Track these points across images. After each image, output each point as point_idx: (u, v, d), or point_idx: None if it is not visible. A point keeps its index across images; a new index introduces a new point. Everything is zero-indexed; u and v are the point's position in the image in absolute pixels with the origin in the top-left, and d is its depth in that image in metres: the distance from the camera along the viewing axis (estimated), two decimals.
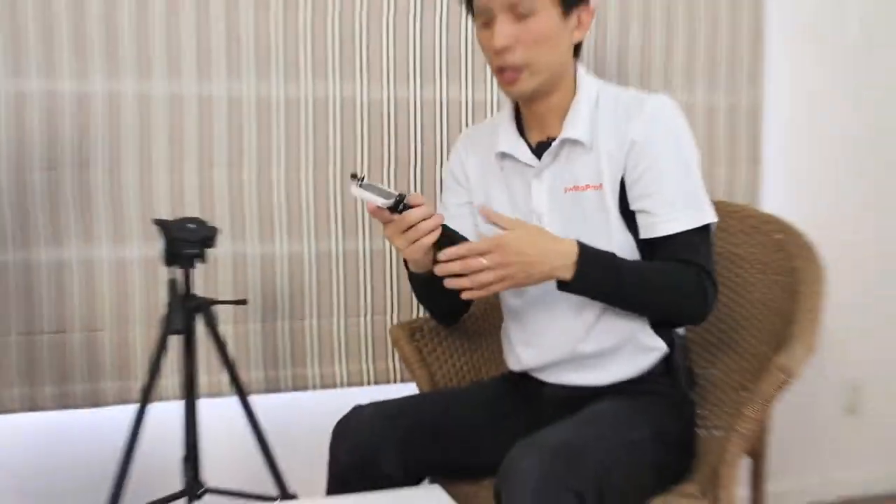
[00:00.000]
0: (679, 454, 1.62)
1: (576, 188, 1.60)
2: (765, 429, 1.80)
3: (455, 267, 1.44)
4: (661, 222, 1.55)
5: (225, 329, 2.04)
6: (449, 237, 1.51)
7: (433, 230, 1.49)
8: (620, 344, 1.60)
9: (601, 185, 1.58)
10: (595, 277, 1.49)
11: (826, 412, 2.64)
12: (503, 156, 1.68)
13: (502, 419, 1.65)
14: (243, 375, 2.00)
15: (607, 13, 2.30)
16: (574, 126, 1.59)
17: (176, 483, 1.88)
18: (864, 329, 2.63)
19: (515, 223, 1.49)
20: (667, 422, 1.58)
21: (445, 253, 1.45)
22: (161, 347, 1.73)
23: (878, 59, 2.58)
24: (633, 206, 1.58)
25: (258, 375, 2.10)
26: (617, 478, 1.40)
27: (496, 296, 1.76)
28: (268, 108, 2.07)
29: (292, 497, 1.81)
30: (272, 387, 2.12)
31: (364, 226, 2.16)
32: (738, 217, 1.93)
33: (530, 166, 1.64)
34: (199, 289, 1.97)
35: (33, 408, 1.96)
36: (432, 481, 1.64)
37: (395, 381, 2.19)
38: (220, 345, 1.78)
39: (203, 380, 2.01)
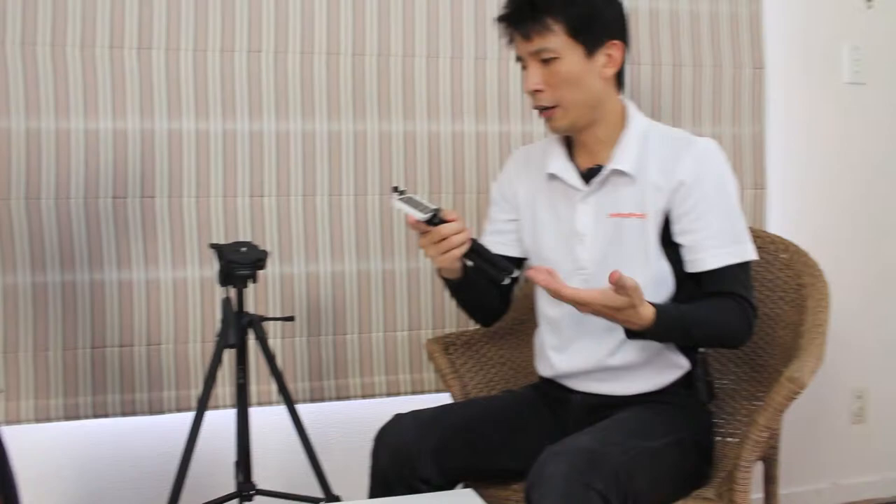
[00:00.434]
0: (698, 461, 1.58)
1: (619, 215, 1.57)
2: (776, 436, 1.76)
3: (544, 283, 1.41)
4: (709, 257, 1.53)
5: (274, 343, 2.04)
6: (477, 250, 1.51)
7: (463, 244, 1.48)
8: (647, 360, 1.58)
9: (645, 215, 1.55)
10: (663, 334, 1.48)
11: (834, 420, 2.59)
12: (552, 177, 1.65)
13: (531, 426, 1.62)
14: (290, 386, 1.98)
15: None
16: (623, 158, 1.57)
17: (229, 485, 1.87)
18: (867, 340, 2.58)
19: (628, 292, 1.38)
20: (687, 431, 1.55)
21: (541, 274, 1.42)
22: (216, 360, 1.72)
23: (869, 95, 2.56)
24: (677, 239, 1.56)
25: (304, 386, 2.09)
26: (639, 483, 1.37)
27: (532, 305, 1.74)
28: (312, 142, 2.07)
29: (336, 499, 1.79)
30: (317, 396, 2.10)
31: (401, 247, 2.14)
32: None
33: (578, 190, 1.61)
34: (251, 306, 1.97)
35: (100, 414, 1.95)
36: (466, 486, 1.61)
37: (430, 391, 2.16)
38: (270, 357, 1.76)
39: (254, 390, 2.01)
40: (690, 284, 1.57)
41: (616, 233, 1.57)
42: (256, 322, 1.74)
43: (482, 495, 1.44)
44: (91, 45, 1.92)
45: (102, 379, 1.95)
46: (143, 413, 1.98)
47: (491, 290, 1.66)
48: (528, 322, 1.84)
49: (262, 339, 1.75)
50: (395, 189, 1.51)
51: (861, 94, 2.56)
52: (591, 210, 1.60)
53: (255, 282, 1.74)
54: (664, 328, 1.45)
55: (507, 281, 1.49)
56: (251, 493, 1.79)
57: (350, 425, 2.15)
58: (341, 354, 2.11)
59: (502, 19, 1.57)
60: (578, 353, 1.61)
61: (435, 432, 1.52)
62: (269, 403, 2.03)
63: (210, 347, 1.97)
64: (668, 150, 1.57)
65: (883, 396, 2.64)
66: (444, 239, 1.47)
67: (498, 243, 1.72)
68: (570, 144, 1.66)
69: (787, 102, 2.48)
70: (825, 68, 2.53)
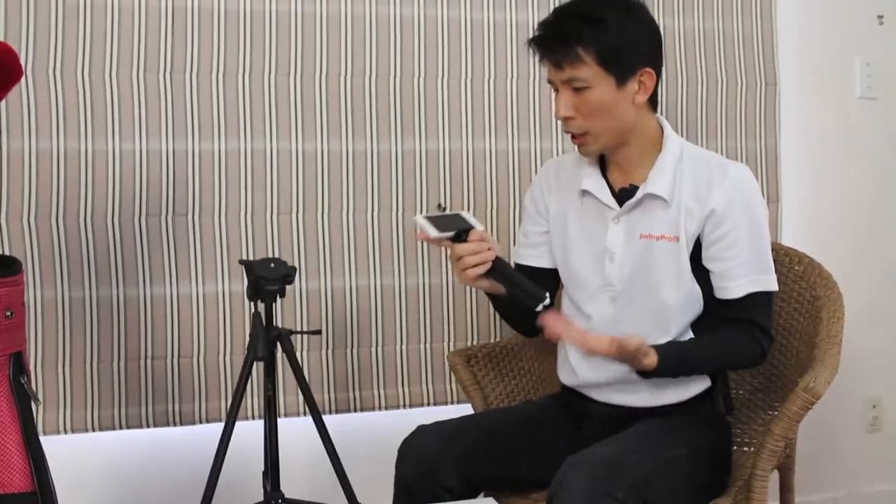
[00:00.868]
0: (716, 471, 1.58)
1: (650, 236, 1.56)
2: (792, 445, 1.76)
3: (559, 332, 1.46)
4: (735, 286, 1.54)
5: (301, 356, 2.05)
6: (501, 272, 1.51)
7: (478, 265, 1.49)
8: None
9: (677, 238, 1.55)
10: (668, 374, 1.52)
11: (849, 429, 2.57)
12: (585, 193, 1.63)
13: (552, 436, 1.62)
14: (317, 397, 1.99)
15: None
16: (658, 182, 1.55)
17: (257, 494, 1.88)
18: (882, 350, 2.57)
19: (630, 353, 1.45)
20: (705, 441, 1.54)
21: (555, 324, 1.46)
22: (246, 373, 1.73)
23: (881, 109, 2.56)
24: (707, 264, 1.56)
25: (331, 397, 2.10)
26: (657, 491, 1.37)
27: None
28: (339, 161, 2.09)
29: None
30: (343, 407, 2.11)
31: (424, 263, 2.15)
32: None
33: (611, 209, 1.60)
34: (279, 321, 1.99)
35: (133, 425, 1.98)
36: (487, 495, 1.61)
37: (452, 402, 2.16)
38: (297, 370, 1.77)
39: (282, 401, 2.02)
40: (717, 306, 1.57)
41: (646, 254, 1.56)
42: (284, 336, 1.76)
43: None
44: (126, 70, 1.95)
45: (136, 391, 1.98)
46: (174, 424, 2.00)
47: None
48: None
49: (290, 353, 1.77)
50: (439, 206, 1.53)
51: (873, 108, 2.54)
52: (622, 230, 1.58)
53: (283, 297, 1.76)
54: (668, 371, 1.50)
55: (539, 308, 1.48)
56: (279, 501, 1.80)
57: (375, 435, 2.16)
58: (366, 367, 2.13)
59: (534, 43, 1.55)
60: (603, 365, 1.59)
61: (457, 443, 1.53)
62: (297, 415, 2.04)
63: (239, 360, 1.99)
64: (702, 176, 1.55)
65: None
66: (461, 258, 1.49)
67: (532, 256, 1.72)
68: (603, 159, 1.64)
69: (800, 117, 2.47)
70: (838, 83, 2.52)
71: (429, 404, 2.16)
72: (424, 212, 1.52)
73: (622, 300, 1.56)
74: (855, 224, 2.54)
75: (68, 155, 1.92)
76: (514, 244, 1.81)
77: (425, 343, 2.16)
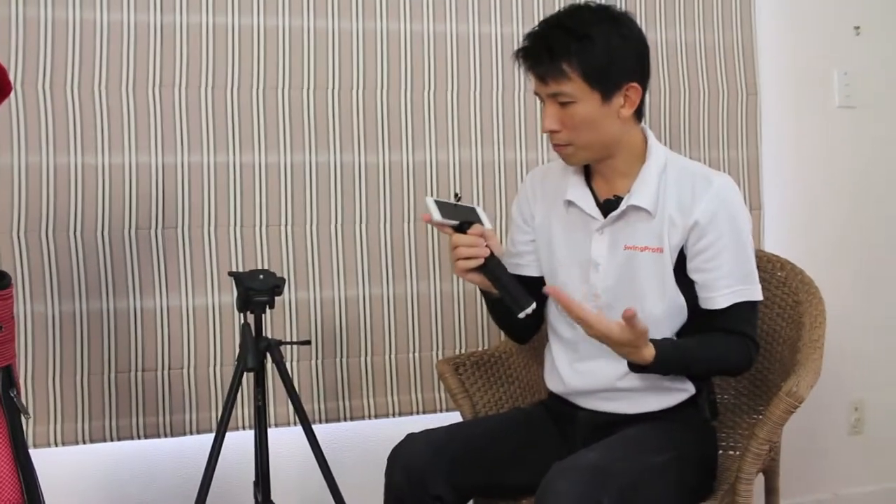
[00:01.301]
0: (701, 476, 1.58)
1: (634, 248, 1.55)
2: (776, 448, 1.76)
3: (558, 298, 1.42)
4: (719, 297, 1.53)
5: (291, 366, 2.05)
6: (492, 271, 1.51)
7: (469, 258, 1.50)
8: (654, 384, 1.57)
9: (661, 249, 1.54)
10: (662, 371, 1.49)
11: (833, 431, 2.58)
12: (569, 203, 1.62)
13: (540, 442, 1.62)
14: (307, 407, 1.99)
15: None
16: (641, 193, 1.54)
17: (249, 503, 1.87)
18: (864, 353, 2.58)
19: (636, 332, 1.40)
20: (691, 447, 1.54)
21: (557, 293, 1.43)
22: (236, 383, 1.72)
23: (859, 118, 2.58)
24: (691, 275, 1.55)
25: (320, 407, 2.09)
26: (645, 497, 1.38)
27: (544, 323, 1.75)
28: (326, 173, 2.09)
29: None
30: (333, 417, 2.10)
31: (411, 272, 2.15)
32: None
33: (595, 219, 1.59)
34: (269, 331, 1.98)
35: (124, 437, 1.96)
36: (477, 502, 1.61)
37: (441, 411, 2.16)
38: (287, 380, 1.77)
39: (272, 411, 2.01)
40: (702, 316, 1.57)
41: (630, 264, 1.56)
42: (274, 346, 1.75)
43: None
44: (115, 84, 1.95)
45: (126, 402, 1.96)
46: (165, 435, 1.99)
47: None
48: (535, 341, 1.84)
49: (280, 363, 1.76)
50: (455, 195, 1.54)
51: (851, 117, 2.57)
52: (606, 241, 1.57)
53: (272, 308, 1.75)
54: (663, 367, 1.47)
55: (521, 315, 1.48)
56: None
57: (364, 444, 2.15)
58: (355, 376, 2.12)
59: (520, 56, 1.53)
60: (590, 373, 1.60)
61: (446, 451, 1.52)
62: (287, 424, 2.04)
63: (229, 371, 1.99)
64: (685, 188, 1.54)
65: (880, 408, 2.63)
66: (456, 247, 1.50)
67: (519, 265, 1.71)
68: (588, 168, 1.63)
69: (780, 126, 2.49)
70: (817, 93, 2.54)
71: (418, 413, 2.15)
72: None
73: (607, 311, 1.56)
74: (835, 230, 2.56)
75: (58, 169, 1.91)
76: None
77: (414, 352, 2.16)
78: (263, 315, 1.76)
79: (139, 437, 1.97)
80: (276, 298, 1.76)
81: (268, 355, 1.76)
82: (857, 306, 2.56)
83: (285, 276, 2.04)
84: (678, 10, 2.36)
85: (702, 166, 1.63)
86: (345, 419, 2.11)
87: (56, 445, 1.91)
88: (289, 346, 2.03)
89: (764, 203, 2.44)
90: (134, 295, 1.97)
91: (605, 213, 1.58)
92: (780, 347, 1.79)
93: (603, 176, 1.60)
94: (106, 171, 1.95)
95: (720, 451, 1.74)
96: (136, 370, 1.97)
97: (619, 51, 1.48)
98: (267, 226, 2.06)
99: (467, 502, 1.57)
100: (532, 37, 1.52)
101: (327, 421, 2.09)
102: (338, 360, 2.11)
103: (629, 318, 1.35)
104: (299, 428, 1.78)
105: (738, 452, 1.78)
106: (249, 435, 1.86)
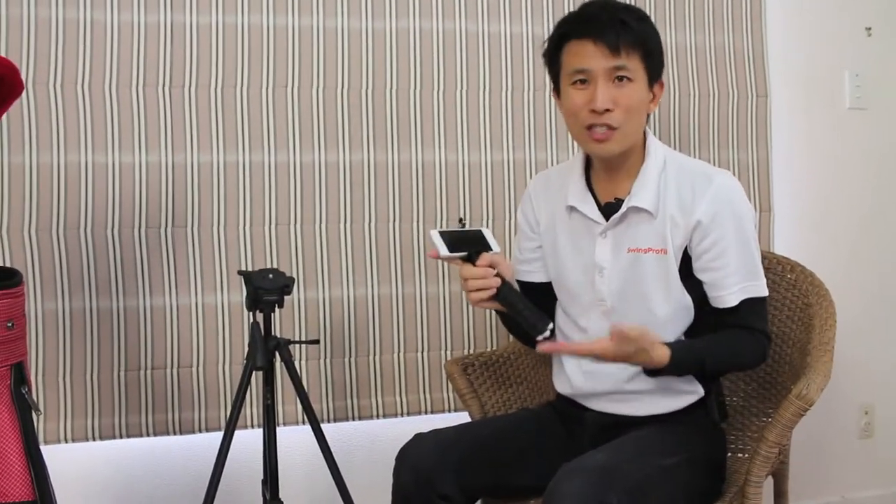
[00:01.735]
0: (710, 478, 1.57)
1: (638, 250, 1.54)
2: (786, 451, 1.75)
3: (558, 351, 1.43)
4: (728, 295, 1.52)
5: (300, 365, 2.05)
6: (506, 298, 1.47)
7: (482, 290, 1.46)
8: (662, 386, 1.56)
9: (665, 250, 1.52)
10: (680, 371, 1.48)
11: (842, 435, 2.57)
12: (572, 209, 1.61)
13: (548, 443, 1.62)
14: (316, 406, 1.99)
15: None
16: (642, 195, 1.53)
17: (257, 502, 1.87)
18: (874, 357, 2.57)
19: (633, 341, 1.39)
20: (699, 449, 1.54)
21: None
22: (245, 382, 1.73)
23: (869, 119, 2.57)
24: (698, 275, 1.54)
25: (329, 406, 2.09)
26: (653, 499, 1.37)
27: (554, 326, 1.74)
28: (336, 172, 2.09)
29: None
30: (341, 416, 2.10)
31: (421, 272, 2.15)
32: None
33: (597, 223, 1.57)
34: (278, 330, 1.98)
35: (133, 434, 1.97)
36: (485, 502, 1.61)
37: (450, 410, 2.16)
38: (296, 379, 1.77)
39: (280, 410, 2.02)
40: (712, 314, 1.56)
41: (634, 267, 1.54)
42: (283, 345, 1.76)
43: None
44: (126, 83, 1.96)
45: (136, 400, 1.97)
46: (174, 433, 2.00)
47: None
48: None
49: (289, 362, 1.76)
50: (460, 220, 1.51)
51: (862, 119, 2.56)
52: (609, 244, 1.56)
53: (281, 307, 1.76)
54: (680, 367, 1.45)
55: (540, 338, 1.46)
56: None
57: (373, 444, 2.15)
58: (364, 375, 2.12)
59: (584, 23, 1.48)
60: (598, 374, 1.59)
61: (454, 451, 1.52)
62: (296, 423, 2.04)
63: (238, 370, 1.99)
64: (686, 187, 1.53)
65: (890, 411, 2.61)
66: (467, 279, 1.47)
67: (527, 271, 1.70)
68: (587, 170, 1.62)
69: (791, 128, 2.48)
70: (827, 95, 2.53)
71: (426, 412, 2.15)
72: (442, 226, 1.46)
73: (614, 314, 1.56)
74: (846, 232, 2.55)
75: (69, 168, 1.92)
76: (510, 258, 1.80)
77: (423, 352, 2.16)
78: (272, 314, 1.76)
79: (148, 435, 1.98)
80: (286, 297, 1.76)
81: (277, 354, 1.76)
82: (867, 309, 2.54)
83: (294, 276, 2.04)
84: (689, 12, 2.35)
85: (701, 164, 1.62)
86: (353, 418, 2.11)
87: (66, 442, 1.92)
88: (298, 346, 2.04)
89: (774, 205, 2.43)
90: (144, 293, 1.98)
91: (607, 217, 1.57)
92: (789, 350, 1.78)
93: (606, 177, 1.59)
94: (116, 170, 1.96)
95: (729, 454, 1.73)
96: (146, 368, 1.98)
97: (661, 45, 1.53)
98: (276, 225, 2.06)
99: (475, 502, 1.57)
100: (594, 8, 1.50)
101: (336, 420, 2.09)
102: (346, 359, 2.11)
103: (617, 334, 1.36)
104: (308, 427, 1.78)
105: (747, 455, 1.77)
106: (258, 433, 1.86)
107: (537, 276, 1.70)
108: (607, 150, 1.51)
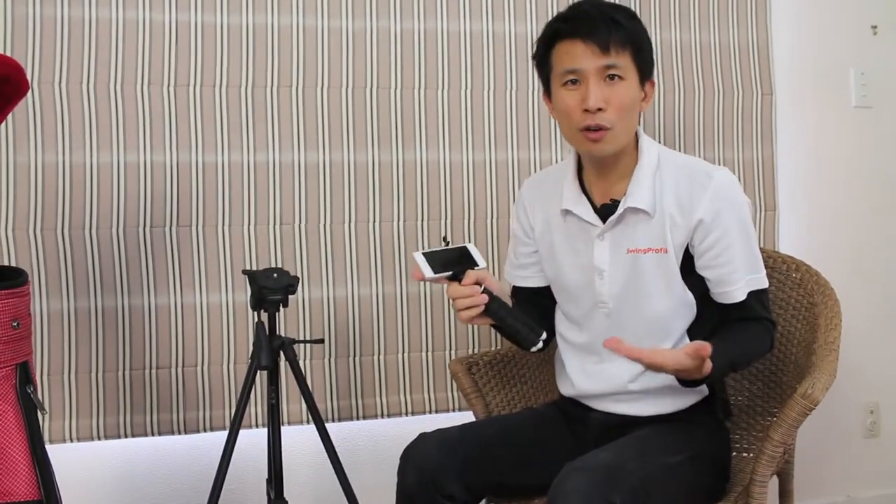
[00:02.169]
0: (714, 476, 1.57)
1: (637, 250, 1.53)
2: (790, 451, 1.75)
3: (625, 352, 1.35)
4: (734, 290, 1.52)
5: (304, 364, 2.05)
6: (495, 313, 1.46)
7: (470, 307, 1.44)
8: (666, 386, 1.55)
9: (665, 249, 1.52)
10: (715, 377, 1.44)
11: (847, 434, 2.56)
12: (567, 212, 1.60)
13: (552, 443, 1.62)
14: (320, 405, 2.00)
15: None
16: (638, 194, 1.51)
17: (261, 501, 1.88)
18: (879, 356, 2.56)
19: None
20: (704, 448, 1.54)
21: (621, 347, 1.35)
22: (249, 381, 1.73)
23: (875, 117, 2.57)
24: (701, 272, 1.54)
25: (333, 405, 2.10)
26: (657, 497, 1.37)
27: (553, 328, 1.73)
28: (340, 172, 2.10)
29: None
30: (345, 415, 2.11)
31: None
32: None
33: (594, 226, 1.56)
34: (282, 330, 1.99)
35: (138, 433, 1.98)
36: (490, 501, 1.61)
37: (454, 410, 2.16)
38: (300, 378, 1.77)
39: (285, 409, 2.02)
40: (713, 307, 1.56)
41: (635, 268, 1.54)
42: (288, 344, 1.76)
43: None
44: (130, 83, 1.96)
45: (141, 400, 1.98)
46: (179, 432, 2.00)
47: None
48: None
49: (293, 361, 1.77)
50: (444, 239, 1.51)
51: (868, 117, 2.55)
52: (607, 245, 1.55)
53: (286, 306, 1.76)
54: (717, 374, 1.42)
55: (533, 350, 1.46)
56: None
57: (377, 443, 2.16)
58: (368, 375, 2.13)
59: (574, 23, 1.48)
60: (601, 376, 1.59)
61: (459, 450, 1.52)
62: (300, 423, 2.04)
63: (242, 369, 2.00)
64: (683, 186, 1.52)
65: (895, 411, 2.61)
66: (455, 299, 1.45)
67: (523, 277, 1.70)
68: (580, 172, 1.61)
69: (796, 126, 2.48)
70: (833, 93, 2.53)
71: (431, 412, 2.16)
72: (425, 247, 1.45)
73: (616, 315, 1.55)
74: (851, 231, 2.54)
75: (73, 167, 1.93)
76: (507, 263, 1.79)
77: (427, 351, 2.16)
78: (277, 313, 1.76)
79: (153, 434, 1.98)
80: (290, 297, 1.76)
81: (281, 353, 1.76)
82: (872, 308, 2.54)
83: (299, 275, 2.04)
84: (693, 9, 2.35)
85: (697, 160, 1.60)
86: (358, 418, 2.12)
87: (72, 441, 1.93)
88: (302, 345, 2.04)
89: (779, 204, 2.42)
90: (148, 292, 1.98)
91: (604, 219, 1.55)
92: (794, 349, 1.78)
93: (600, 179, 1.57)
94: (121, 170, 1.96)
95: (734, 454, 1.73)
96: (151, 367, 1.98)
97: (650, 43, 1.52)
98: (281, 224, 2.06)
99: (480, 502, 1.57)
100: (584, 8, 1.50)
101: (340, 419, 2.10)
102: (351, 358, 2.12)
103: (703, 351, 1.32)
104: (312, 426, 1.78)
105: (752, 455, 1.77)
106: (262, 433, 1.87)
107: (534, 282, 1.70)
108: (602, 150, 1.50)
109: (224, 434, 1.74)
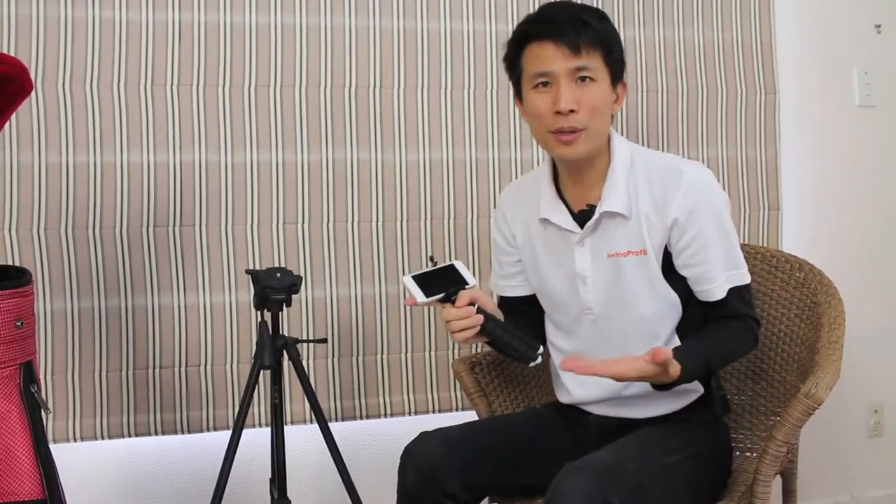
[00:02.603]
0: (715, 474, 1.57)
1: (617, 254, 1.52)
2: (794, 450, 1.75)
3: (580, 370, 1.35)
4: (714, 288, 1.51)
5: (308, 364, 2.05)
6: (491, 333, 1.46)
7: (466, 329, 1.43)
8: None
9: (644, 251, 1.51)
10: (688, 380, 1.44)
11: (851, 434, 2.56)
12: (545, 221, 1.59)
13: (553, 443, 1.61)
14: (323, 405, 2.00)
15: (638, 84, 2.30)
16: (612, 198, 1.50)
17: (265, 501, 1.88)
18: (883, 355, 2.56)
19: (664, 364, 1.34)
20: (703, 446, 1.53)
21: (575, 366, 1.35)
22: (253, 381, 1.73)
23: (879, 117, 2.56)
24: (681, 271, 1.53)
25: (337, 405, 2.10)
26: (657, 497, 1.37)
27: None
28: (343, 171, 2.10)
29: None
30: (349, 415, 2.11)
31: None
32: (762, 258, 1.89)
33: (573, 233, 1.55)
34: (285, 329, 1.99)
35: (142, 433, 1.98)
36: (491, 501, 1.61)
37: (457, 409, 2.17)
38: (304, 378, 1.78)
39: (288, 409, 2.02)
40: (697, 305, 1.56)
41: (616, 272, 1.53)
42: (291, 344, 1.76)
43: None
44: (134, 83, 1.96)
45: (144, 399, 1.98)
46: (182, 432, 2.01)
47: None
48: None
49: (297, 361, 1.77)
50: (431, 259, 1.49)
51: (872, 116, 2.55)
52: (588, 252, 1.54)
53: (289, 306, 1.76)
54: (690, 375, 1.43)
55: (531, 365, 1.45)
56: None
57: (380, 442, 2.16)
58: (372, 374, 2.13)
59: (543, 25, 1.46)
60: (595, 384, 1.56)
61: (460, 450, 1.51)
62: (303, 422, 2.05)
63: (246, 368, 2.00)
64: (657, 184, 1.50)
65: None
66: (449, 321, 1.44)
67: (510, 286, 1.70)
68: (556, 179, 1.59)
69: (800, 125, 2.48)
70: (837, 92, 2.53)
71: (434, 411, 2.16)
72: (412, 270, 1.44)
73: (603, 321, 1.55)
74: (855, 231, 2.54)
75: (77, 167, 1.93)
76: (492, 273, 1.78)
77: (430, 351, 2.16)
78: (280, 313, 1.76)
79: (156, 434, 1.99)
80: (293, 296, 1.76)
81: (284, 353, 1.77)
82: (876, 307, 2.54)
83: (302, 275, 2.04)
84: (696, 8, 2.35)
85: (669, 157, 1.58)
86: (361, 417, 2.12)
87: (75, 440, 1.93)
88: (305, 344, 2.04)
89: (783, 203, 2.42)
90: (152, 292, 1.99)
91: (582, 224, 1.54)
92: (798, 349, 1.78)
93: (575, 184, 1.56)
94: (125, 170, 1.96)
95: (737, 453, 1.73)
96: (154, 367, 1.99)
97: (620, 44, 1.51)
98: (284, 224, 2.07)
99: (480, 501, 1.57)
100: (553, 9, 1.49)
101: (343, 419, 2.10)
102: (354, 358, 2.12)
103: (663, 361, 1.31)
104: (315, 426, 1.79)
105: (755, 454, 1.77)
106: (266, 432, 1.87)
107: (521, 290, 1.70)
108: (574, 152, 1.48)
109: (227, 434, 1.74)
